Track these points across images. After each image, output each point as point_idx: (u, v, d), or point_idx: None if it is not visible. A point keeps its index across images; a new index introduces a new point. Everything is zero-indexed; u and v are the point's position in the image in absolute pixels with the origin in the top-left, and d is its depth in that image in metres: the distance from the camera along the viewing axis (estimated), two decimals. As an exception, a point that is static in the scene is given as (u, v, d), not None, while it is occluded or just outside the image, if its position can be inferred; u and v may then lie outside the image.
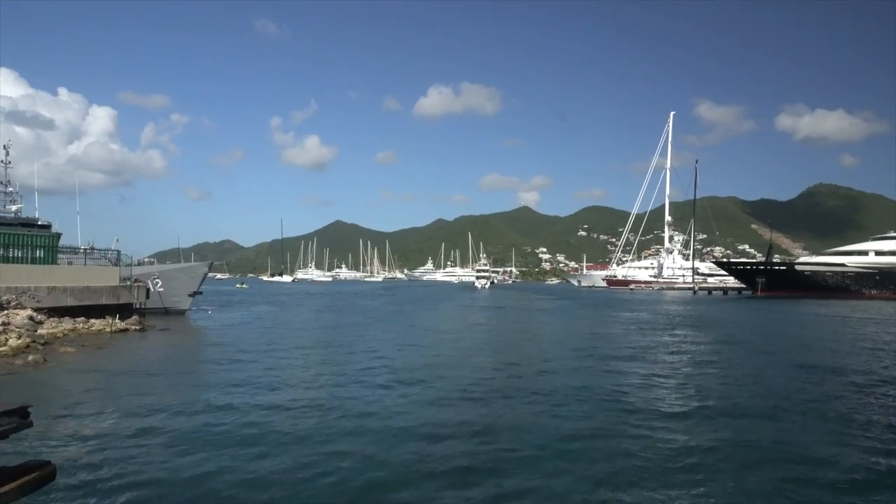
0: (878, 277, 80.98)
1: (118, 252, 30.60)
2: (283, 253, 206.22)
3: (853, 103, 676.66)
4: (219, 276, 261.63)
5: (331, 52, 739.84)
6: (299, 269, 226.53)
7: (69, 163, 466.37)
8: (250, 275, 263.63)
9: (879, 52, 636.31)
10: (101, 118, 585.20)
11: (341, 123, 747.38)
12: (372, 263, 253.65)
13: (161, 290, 31.74)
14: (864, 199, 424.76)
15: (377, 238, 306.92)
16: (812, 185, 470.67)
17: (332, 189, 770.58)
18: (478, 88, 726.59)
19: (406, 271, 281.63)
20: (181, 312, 32.60)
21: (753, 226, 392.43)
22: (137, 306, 27.71)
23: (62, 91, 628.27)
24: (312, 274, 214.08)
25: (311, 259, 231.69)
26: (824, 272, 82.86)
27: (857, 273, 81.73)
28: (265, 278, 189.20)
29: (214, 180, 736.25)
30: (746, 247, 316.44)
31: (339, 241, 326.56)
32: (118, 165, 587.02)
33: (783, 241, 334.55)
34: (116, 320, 23.86)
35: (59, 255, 27.48)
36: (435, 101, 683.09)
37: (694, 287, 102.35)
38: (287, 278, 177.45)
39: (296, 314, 37.68)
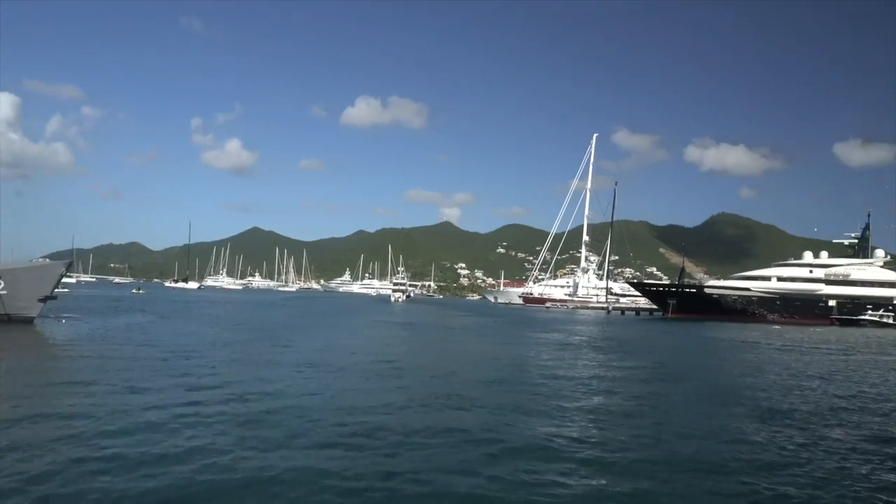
0: (778, 302, 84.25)
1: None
2: (189, 258, 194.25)
3: (753, 139, 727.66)
4: (117, 279, 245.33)
5: (258, 55, 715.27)
6: (209, 275, 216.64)
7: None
8: (156, 280, 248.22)
9: (778, 92, 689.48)
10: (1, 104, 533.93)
11: (265, 128, 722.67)
12: (287, 273, 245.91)
13: (3, 292, 26.40)
14: (759, 229, 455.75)
15: (295, 247, 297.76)
16: (715, 213, 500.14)
17: (251, 195, 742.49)
18: (406, 103, 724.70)
19: (322, 282, 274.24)
20: (28, 320, 27.29)
21: (661, 249, 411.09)
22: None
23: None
24: (223, 281, 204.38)
25: (223, 266, 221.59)
26: (731, 296, 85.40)
27: (760, 297, 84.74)
28: (169, 284, 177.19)
29: (126, 179, 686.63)
30: (654, 269, 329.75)
31: (255, 249, 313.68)
32: (17, 157, 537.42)
33: (688, 265, 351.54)
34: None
35: None
36: (363, 111, 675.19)
37: (608, 307, 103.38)
38: (193, 285, 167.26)
39: (174, 327, 32.71)
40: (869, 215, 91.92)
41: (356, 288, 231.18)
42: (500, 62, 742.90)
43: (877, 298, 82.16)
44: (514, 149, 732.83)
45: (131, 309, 47.04)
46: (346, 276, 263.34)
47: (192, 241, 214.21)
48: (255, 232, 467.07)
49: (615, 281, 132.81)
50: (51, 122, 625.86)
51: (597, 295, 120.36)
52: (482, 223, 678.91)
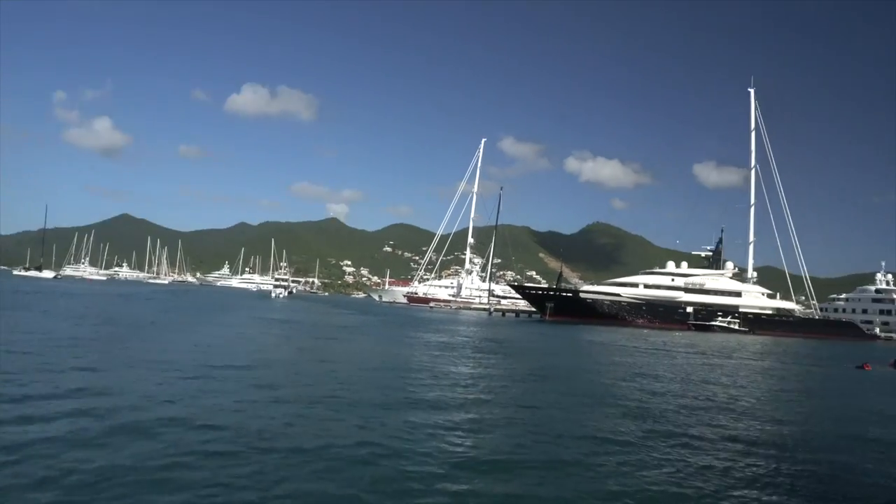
0: (645, 308, 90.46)
1: None
2: (44, 244, 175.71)
3: (626, 155, 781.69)
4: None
5: (136, 30, 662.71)
6: (69, 264, 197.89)
7: None
8: (3, 267, 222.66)
9: (649, 112, 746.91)
10: None
11: (141, 109, 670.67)
12: (160, 264, 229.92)
13: None
14: (629, 239, 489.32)
15: (170, 237, 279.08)
16: (591, 222, 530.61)
17: (122, 179, 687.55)
18: (296, 93, 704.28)
19: (199, 275, 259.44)
20: None
21: (541, 254, 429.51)
22: None
23: None
24: (84, 271, 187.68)
25: (86, 254, 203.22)
26: (603, 301, 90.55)
27: (630, 303, 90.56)
28: (18, 272, 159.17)
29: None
30: (534, 273, 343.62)
31: (125, 237, 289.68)
32: None
33: (565, 270, 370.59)
34: None
35: None
36: (249, 99, 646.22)
37: (490, 308, 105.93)
38: (48, 274, 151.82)
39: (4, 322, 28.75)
40: (722, 231, 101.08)
41: (235, 282, 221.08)
42: (393, 62, 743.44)
43: (726, 306, 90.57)
44: (404, 149, 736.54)
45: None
46: (226, 270, 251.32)
47: (50, 226, 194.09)
48: (124, 219, 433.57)
49: (497, 283, 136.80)
50: None
51: (479, 296, 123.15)
52: (370, 221, 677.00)
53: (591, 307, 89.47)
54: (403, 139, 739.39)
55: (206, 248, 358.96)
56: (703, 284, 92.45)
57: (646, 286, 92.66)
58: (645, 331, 71.52)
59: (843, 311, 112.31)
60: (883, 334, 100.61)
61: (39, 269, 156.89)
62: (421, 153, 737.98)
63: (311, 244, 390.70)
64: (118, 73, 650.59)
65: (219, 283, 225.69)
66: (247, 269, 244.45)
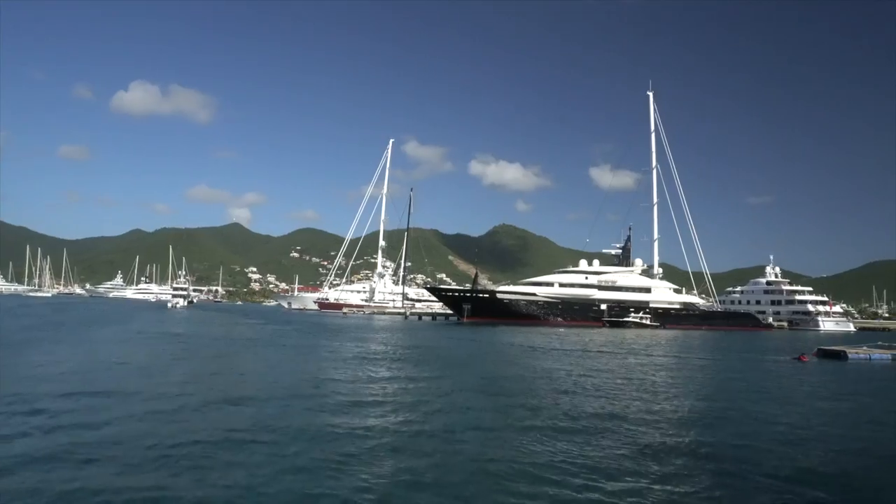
0: (560, 306, 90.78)
1: None
2: None
3: (527, 158, 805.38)
4: None
5: (11, 18, 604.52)
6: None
7: None
8: None
9: (547, 116, 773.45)
10: None
11: (14, 104, 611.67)
12: (42, 275, 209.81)
13: None
14: (534, 240, 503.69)
15: (54, 245, 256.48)
16: (497, 224, 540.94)
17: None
18: (190, 93, 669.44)
19: (88, 286, 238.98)
20: None
21: (451, 257, 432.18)
22: None
23: None
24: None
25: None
26: (519, 300, 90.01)
27: (546, 302, 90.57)
28: None
29: None
30: (444, 276, 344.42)
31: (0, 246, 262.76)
32: None
33: (474, 272, 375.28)
34: None
35: None
36: (137, 97, 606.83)
37: (405, 312, 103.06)
38: None
39: None
40: (630, 229, 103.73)
41: (130, 293, 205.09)
42: (293, 61, 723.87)
43: (638, 302, 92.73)
44: (306, 151, 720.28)
45: None
46: (119, 280, 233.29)
47: None
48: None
49: (409, 286, 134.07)
50: None
51: (393, 300, 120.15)
52: (274, 226, 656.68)
53: (507, 307, 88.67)
54: (305, 141, 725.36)
55: (96, 258, 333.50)
56: (615, 282, 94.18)
57: (560, 285, 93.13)
58: (562, 329, 71.14)
59: (739, 302, 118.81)
60: (776, 323, 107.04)
61: None
62: (324, 156, 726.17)
63: (214, 251, 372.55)
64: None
65: (111, 295, 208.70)
66: (143, 278, 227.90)
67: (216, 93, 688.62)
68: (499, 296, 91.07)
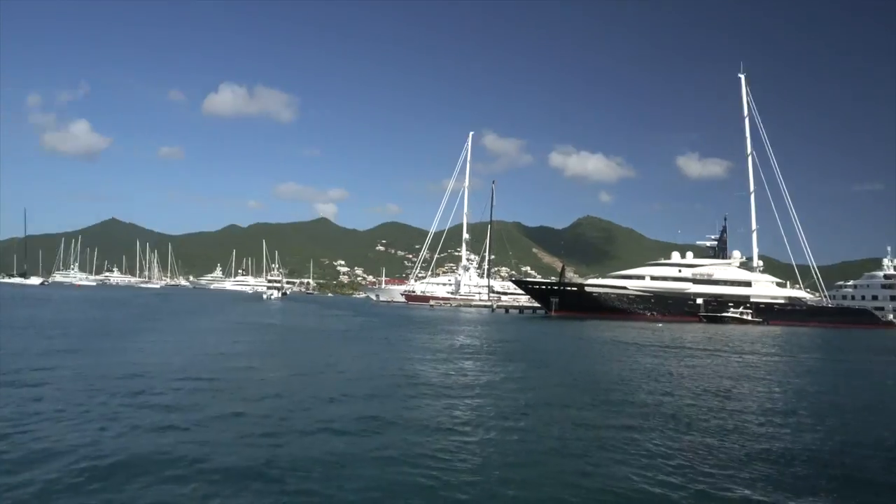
0: (652, 300, 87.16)
1: None
2: (26, 250, 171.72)
3: (609, 149, 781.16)
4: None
5: (107, 30, 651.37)
6: (58, 270, 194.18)
7: None
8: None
9: (629, 106, 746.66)
10: None
11: (117, 111, 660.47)
12: (151, 268, 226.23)
13: None
14: (619, 232, 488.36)
15: (160, 241, 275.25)
16: (581, 216, 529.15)
17: (105, 183, 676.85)
18: (274, 93, 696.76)
19: (192, 278, 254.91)
20: None
21: (535, 250, 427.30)
22: None
23: None
24: (74, 277, 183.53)
25: (75, 259, 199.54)
26: (609, 294, 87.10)
27: (637, 296, 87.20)
28: (2, 279, 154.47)
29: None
30: (529, 268, 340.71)
31: (113, 242, 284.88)
32: None
33: (558, 264, 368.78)
34: None
35: None
36: (227, 99, 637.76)
37: (492, 305, 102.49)
38: (34, 280, 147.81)
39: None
40: (725, 219, 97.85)
41: (229, 285, 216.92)
42: (372, 58, 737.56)
43: (737, 297, 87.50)
44: (387, 146, 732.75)
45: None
46: (218, 273, 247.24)
47: (37, 233, 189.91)
48: (112, 224, 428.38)
49: (493, 279, 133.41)
50: None
51: (479, 293, 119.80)
52: (359, 220, 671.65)
53: (597, 301, 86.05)
54: (386, 136, 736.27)
55: (196, 251, 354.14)
56: (711, 275, 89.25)
57: (652, 278, 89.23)
58: (660, 325, 68.12)
59: (852, 297, 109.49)
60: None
61: (24, 275, 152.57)
62: (404, 151, 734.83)
63: (303, 245, 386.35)
64: (92, 75, 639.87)
65: (212, 286, 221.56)
66: (240, 270, 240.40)
67: (299, 92, 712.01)
68: (587, 289, 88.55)
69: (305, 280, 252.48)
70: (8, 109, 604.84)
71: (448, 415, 12.47)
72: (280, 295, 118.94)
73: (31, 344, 21.56)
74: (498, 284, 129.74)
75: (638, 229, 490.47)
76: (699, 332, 55.67)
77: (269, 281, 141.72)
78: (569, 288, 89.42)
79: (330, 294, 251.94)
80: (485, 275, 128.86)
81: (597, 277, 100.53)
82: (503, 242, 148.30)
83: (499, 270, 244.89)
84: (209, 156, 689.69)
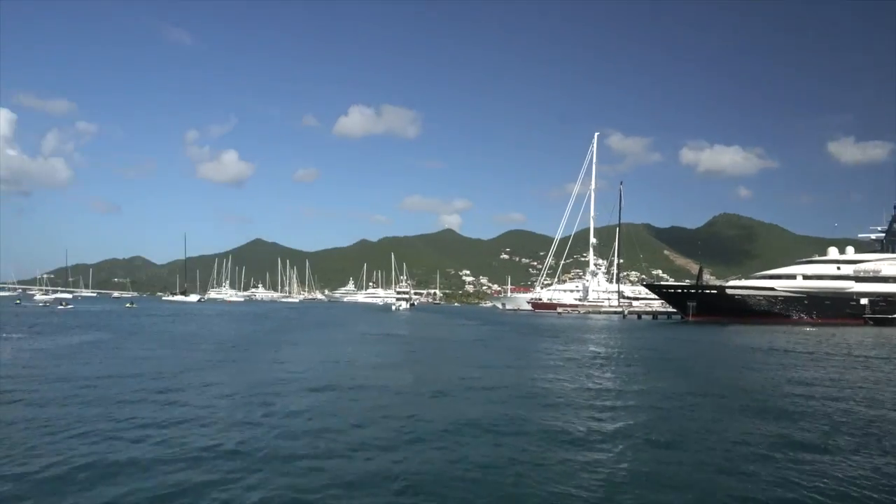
0: (806, 302, 78.92)
1: None
2: (186, 271, 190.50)
3: (746, 140, 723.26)
4: (116, 294, 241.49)
5: (248, 66, 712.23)
6: (212, 288, 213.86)
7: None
8: (159, 293, 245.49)
9: (766, 93, 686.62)
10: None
11: (260, 139, 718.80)
12: (290, 283, 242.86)
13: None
14: (760, 228, 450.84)
15: (297, 257, 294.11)
16: (716, 214, 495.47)
17: (250, 206, 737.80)
18: (399, 111, 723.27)
19: (327, 292, 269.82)
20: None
21: (666, 252, 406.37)
22: None
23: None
24: (225, 293, 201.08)
25: (226, 278, 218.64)
26: (755, 296, 79.96)
27: (787, 297, 79.34)
28: (167, 298, 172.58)
29: (124, 193, 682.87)
30: (660, 272, 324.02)
31: (257, 260, 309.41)
32: (16, 173, 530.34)
33: (692, 266, 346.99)
34: None
35: None
36: (356, 120, 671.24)
37: (623, 311, 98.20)
38: (193, 298, 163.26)
39: (116, 348, 27.47)
40: (895, 208, 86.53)
41: (361, 297, 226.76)
42: (486, 70, 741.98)
43: (911, 295, 76.89)
44: (507, 155, 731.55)
45: (99, 326, 42.12)
46: (350, 286, 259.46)
47: (194, 254, 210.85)
48: (257, 244, 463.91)
49: (623, 284, 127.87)
50: (47, 137, 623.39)
51: (608, 298, 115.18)
52: (483, 230, 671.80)
53: (739, 304, 79.33)
54: (505, 146, 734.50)
55: (330, 266, 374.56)
56: (879, 271, 78.98)
57: (805, 277, 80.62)
58: (809, 329, 61.33)
59: None
60: None
61: (185, 293, 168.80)
62: (526, 158, 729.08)
63: (429, 256, 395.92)
64: (238, 108, 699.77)
65: (345, 299, 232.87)
66: (370, 283, 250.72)
67: (420, 107, 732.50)
68: (728, 291, 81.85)
69: (432, 290, 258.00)
70: (169, 146, 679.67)
71: (597, 429, 11.44)
72: (408, 306, 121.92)
73: (190, 356, 23.23)
74: (628, 289, 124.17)
75: (782, 225, 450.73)
76: (865, 336, 49.21)
77: (398, 293, 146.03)
78: (707, 290, 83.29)
79: (456, 304, 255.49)
80: (614, 280, 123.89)
81: (738, 278, 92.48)
82: (633, 245, 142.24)
83: (628, 275, 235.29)
84: (340, 175, 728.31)
